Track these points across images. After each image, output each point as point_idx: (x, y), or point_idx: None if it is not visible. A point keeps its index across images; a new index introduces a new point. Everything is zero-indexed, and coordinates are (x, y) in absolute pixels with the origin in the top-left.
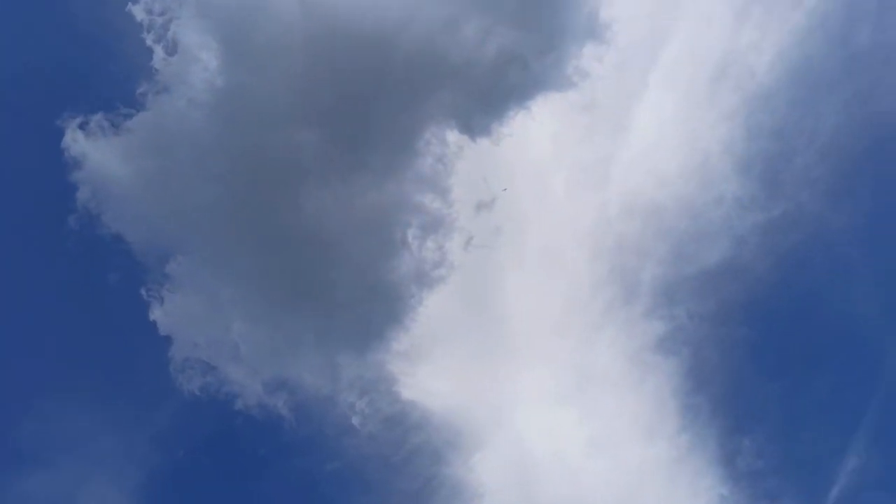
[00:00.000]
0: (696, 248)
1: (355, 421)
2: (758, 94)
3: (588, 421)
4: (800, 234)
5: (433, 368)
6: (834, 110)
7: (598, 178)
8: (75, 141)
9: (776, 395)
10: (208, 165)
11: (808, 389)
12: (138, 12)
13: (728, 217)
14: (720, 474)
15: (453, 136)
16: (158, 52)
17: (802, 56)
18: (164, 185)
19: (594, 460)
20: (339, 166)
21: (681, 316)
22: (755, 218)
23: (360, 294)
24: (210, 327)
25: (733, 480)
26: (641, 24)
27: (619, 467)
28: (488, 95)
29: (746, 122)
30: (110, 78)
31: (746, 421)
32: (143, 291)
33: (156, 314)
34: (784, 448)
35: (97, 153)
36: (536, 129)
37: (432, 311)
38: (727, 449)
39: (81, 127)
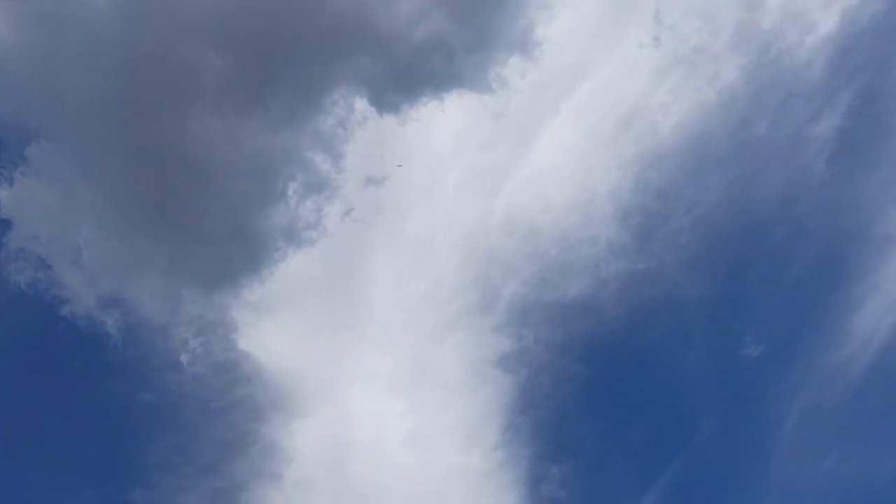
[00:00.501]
0: (559, 278)
1: (184, 358)
2: (654, 151)
3: (414, 414)
4: (654, 291)
5: (277, 327)
6: (716, 187)
7: (488, 186)
8: None
9: (593, 433)
10: (102, 58)
11: (622, 435)
12: None
13: (596, 258)
14: (523, 494)
15: (361, 105)
16: None
17: (703, 129)
18: (49, 62)
19: (410, 454)
20: (239, 99)
21: (528, 338)
22: (620, 265)
23: (224, 232)
24: (56, 224)
25: (532, 503)
26: (570, 53)
27: (432, 466)
28: (407, 75)
29: (637, 175)
30: None
31: (560, 451)
32: None
33: (1, 194)
34: (587, 483)
35: None
36: (443, 122)
37: (292, 270)
38: (535, 473)
39: None
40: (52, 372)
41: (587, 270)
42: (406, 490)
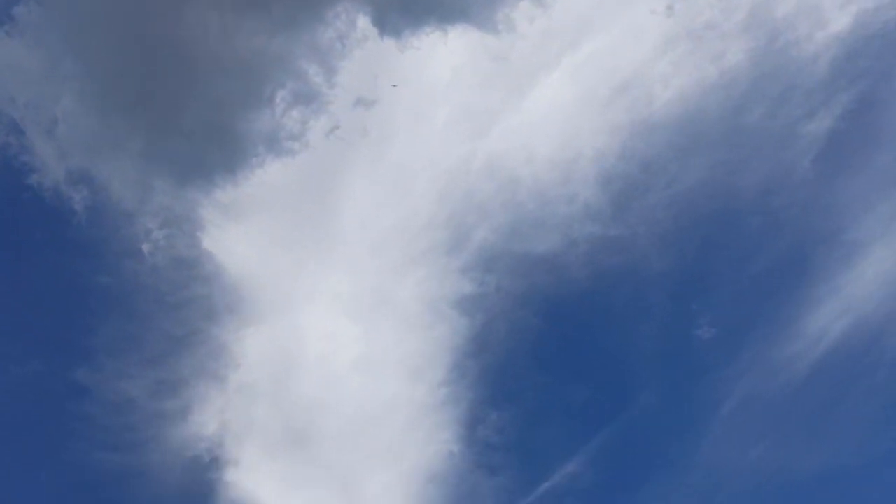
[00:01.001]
0: (531, 231)
1: (146, 248)
2: (646, 121)
3: (366, 341)
4: (621, 259)
5: (244, 232)
6: (700, 167)
7: (476, 127)
8: None
9: (536, 386)
10: None
11: (563, 393)
12: None
13: (571, 217)
14: (459, 434)
15: (363, 23)
16: None
17: (698, 107)
18: None
19: (356, 377)
20: None
21: (490, 285)
22: (593, 228)
23: (204, 128)
24: (35, 90)
25: (466, 444)
26: (581, 7)
27: (377, 393)
28: (414, 0)
29: (624, 142)
30: None
31: (502, 398)
32: None
33: None
34: (522, 433)
35: None
36: (443, 56)
37: (268, 178)
38: (475, 415)
39: None
40: (9, 239)
41: (559, 228)
42: (348, 411)
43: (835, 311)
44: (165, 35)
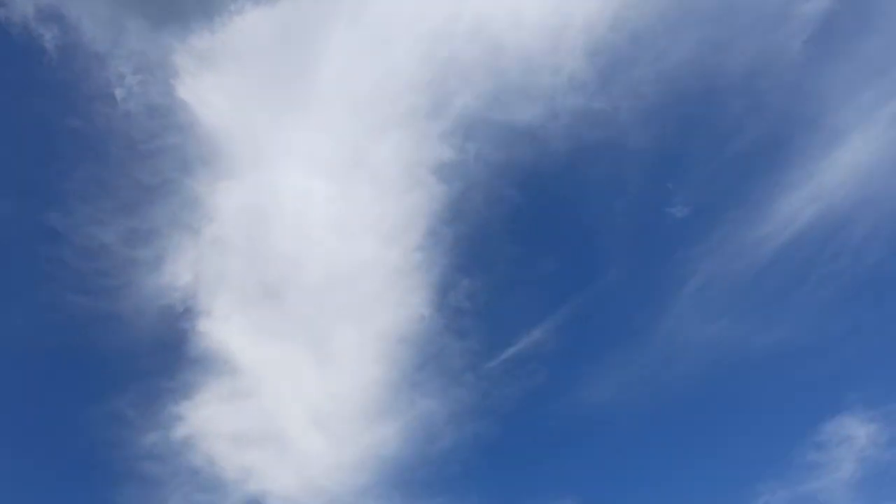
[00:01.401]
0: (514, 100)
1: (118, 92)
2: None
3: (342, 201)
4: (602, 133)
5: (220, 82)
6: (689, 43)
7: None
8: None
9: (508, 256)
10: None
11: (534, 263)
12: None
13: (555, 88)
14: (429, 298)
15: None
16: None
17: None
18: None
19: (331, 238)
20: None
21: (469, 152)
22: (576, 101)
23: None
24: None
25: (437, 308)
26: None
27: (350, 253)
28: None
29: (616, 13)
30: None
31: (474, 266)
32: None
33: None
34: (492, 300)
35: None
36: None
37: (247, 26)
38: (447, 281)
39: None
40: None
41: (543, 99)
42: (321, 269)
43: (807, 196)
44: None
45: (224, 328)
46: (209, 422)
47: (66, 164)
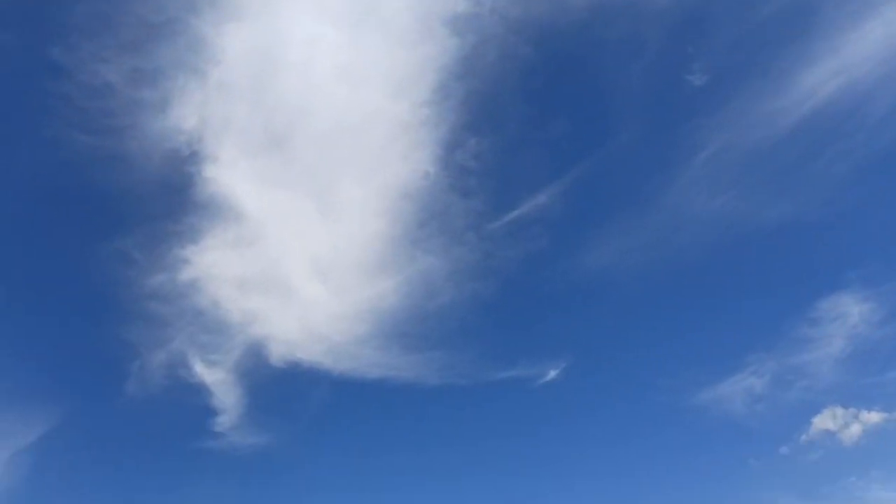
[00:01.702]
0: None
1: None
2: None
3: (351, 49)
4: None
5: None
6: None
7: None
8: None
9: (519, 116)
10: None
11: (546, 124)
12: None
13: None
14: (436, 155)
15: None
16: None
17: None
18: None
19: (339, 87)
20: None
21: (485, 5)
22: None
23: None
24: None
25: (443, 165)
26: None
27: (357, 104)
28: None
29: None
30: None
31: (483, 124)
32: None
33: None
34: (499, 161)
35: None
36: None
37: None
38: (454, 138)
39: None
40: None
41: None
42: (328, 118)
43: (830, 69)
44: None
45: (230, 174)
46: (214, 266)
47: None
